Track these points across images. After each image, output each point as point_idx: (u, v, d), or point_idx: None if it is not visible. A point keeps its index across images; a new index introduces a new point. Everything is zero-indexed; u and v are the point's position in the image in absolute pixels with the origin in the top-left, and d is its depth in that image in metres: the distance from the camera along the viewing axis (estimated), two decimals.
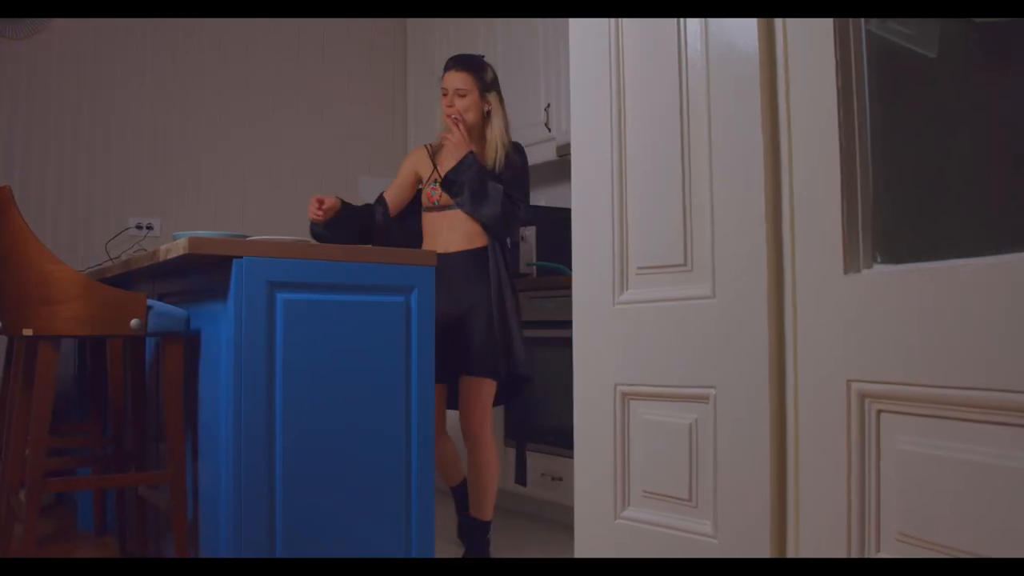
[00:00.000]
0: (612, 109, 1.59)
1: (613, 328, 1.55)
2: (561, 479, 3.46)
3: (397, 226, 3.00)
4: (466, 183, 2.80)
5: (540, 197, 4.51)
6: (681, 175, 1.45)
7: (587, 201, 1.63)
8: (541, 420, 3.59)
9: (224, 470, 2.19)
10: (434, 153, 3.01)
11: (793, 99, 1.30)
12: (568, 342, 3.43)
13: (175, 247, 2.18)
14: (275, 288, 2.19)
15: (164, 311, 2.34)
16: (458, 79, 2.88)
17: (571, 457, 3.49)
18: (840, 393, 1.20)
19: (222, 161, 4.78)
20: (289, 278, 2.22)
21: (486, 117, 2.91)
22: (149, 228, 4.62)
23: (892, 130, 1.26)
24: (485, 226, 2.84)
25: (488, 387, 2.82)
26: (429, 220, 2.95)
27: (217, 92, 4.78)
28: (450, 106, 2.88)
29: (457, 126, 2.83)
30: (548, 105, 4.03)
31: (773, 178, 1.32)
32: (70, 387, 3.78)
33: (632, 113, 1.56)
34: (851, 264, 1.21)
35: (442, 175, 2.88)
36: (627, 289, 1.54)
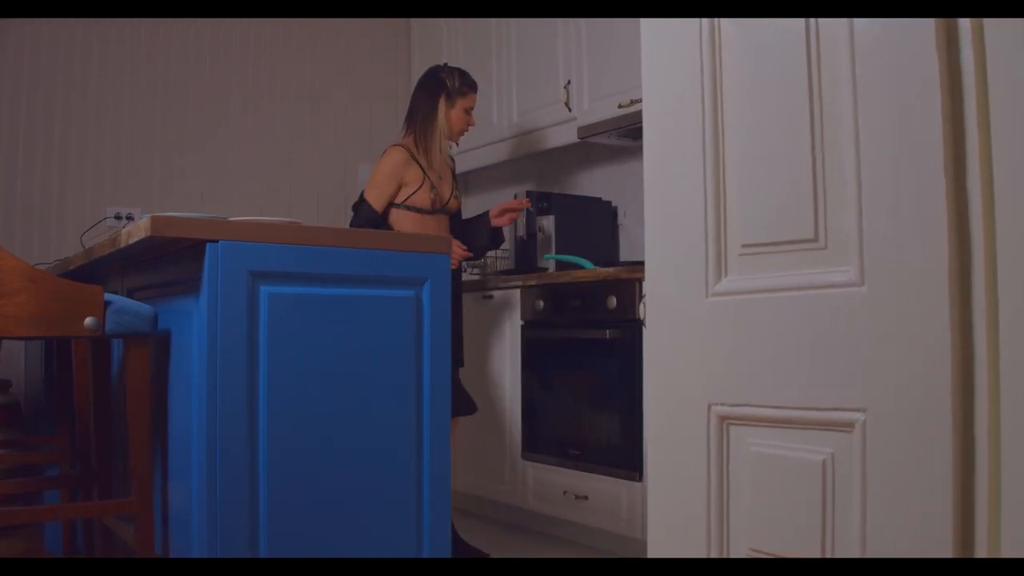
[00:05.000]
0: (702, 54, 1.19)
1: (706, 328, 1.15)
2: (586, 498, 3.08)
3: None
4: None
5: (558, 184, 4.14)
6: (809, 120, 1.06)
7: (665, 165, 1.23)
8: (562, 432, 3.20)
9: (196, 494, 1.89)
10: (426, 164, 3.07)
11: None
12: (590, 344, 3.11)
13: (136, 229, 1.83)
14: (258, 279, 1.87)
15: (125, 307, 1.97)
16: (473, 99, 3.18)
17: (597, 473, 3.15)
18: None
19: (211, 150, 4.46)
20: (275, 267, 1.90)
21: None
22: (129, 219, 4.24)
23: None
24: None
25: None
26: (419, 221, 3.05)
27: (208, 79, 4.48)
28: (470, 123, 3.16)
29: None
30: (568, 82, 3.64)
31: (952, 115, 0.93)
32: (41, 392, 3.41)
33: (730, 56, 1.17)
34: None
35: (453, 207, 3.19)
36: (726, 275, 1.15)
